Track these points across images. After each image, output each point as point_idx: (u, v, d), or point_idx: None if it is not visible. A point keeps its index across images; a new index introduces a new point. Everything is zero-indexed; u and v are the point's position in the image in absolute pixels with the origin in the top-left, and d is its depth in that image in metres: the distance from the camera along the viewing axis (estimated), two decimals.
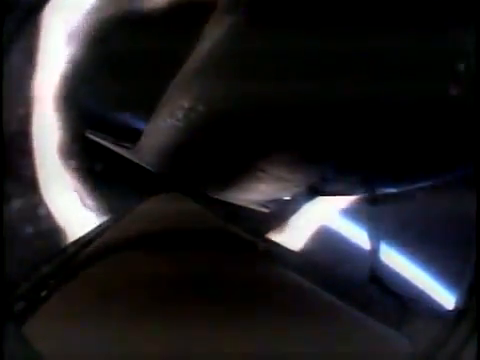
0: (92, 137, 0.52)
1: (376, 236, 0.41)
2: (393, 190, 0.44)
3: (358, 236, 0.51)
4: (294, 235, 0.53)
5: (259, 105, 0.39)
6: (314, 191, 0.45)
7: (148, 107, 0.46)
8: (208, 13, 0.40)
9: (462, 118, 0.36)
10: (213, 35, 0.39)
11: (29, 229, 0.49)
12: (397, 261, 0.49)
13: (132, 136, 0.50)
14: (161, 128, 0.46)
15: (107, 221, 0.51)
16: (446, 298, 0.46)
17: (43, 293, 0.38)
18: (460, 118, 0.36)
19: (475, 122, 0.34)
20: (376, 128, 0.38)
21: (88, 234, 0.47)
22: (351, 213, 0.52)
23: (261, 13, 0.37)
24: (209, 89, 0.41)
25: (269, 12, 0.36)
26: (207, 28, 0.40)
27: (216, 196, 0.50)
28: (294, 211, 0.53)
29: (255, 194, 0.50)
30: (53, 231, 0.50)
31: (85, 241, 0.45)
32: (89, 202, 0.53)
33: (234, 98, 0.40)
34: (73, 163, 0.53)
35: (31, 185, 0.51)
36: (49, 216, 0.51)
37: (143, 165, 0.51)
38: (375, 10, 0.34)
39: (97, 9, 0.51)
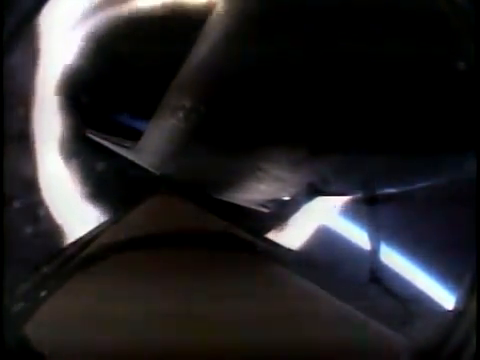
0: (93, 137, 0.52)
1: (376, 236, 0.41)
2: (393, 190, 0.44)
3: (358, 236, 0.51)
4: (294, 235, 0.53)
5: (259, 105, 0.39)
6: (314, 191, 0.45)
7: (149, 107, 0.46)
8: (208, 13, 0.40)
9: (461, 118, 0.36)
10: (213, 35, 0.39)
11: (29, 229, 0.49)
12: (397, 261, 0.49)
13: (133, 136, 0.50)
14: (162, 128, 0.46)
15: (107, 221, 0.51)
16: (446, 298, 0.46)
17: (43, 293, 0.38)
18: (459, 118, 0.36)
19: (475, 122, 0.34)
20: (376, 128, 0.38)
21: (88, 234, 0.47)
22: (351, 213, 0.52)
23: (260, 13, 0.37)
24: (210, 89, 0.41)
25: (268, 12, 0.36)
26: (207, 28, 0.40)
27: (216, 196, 0.50)
28: (294, 211, 0.53)
29: (255, 194, 0.50)
30: (53, 231, 0.50)
31: (85, 241, 0.45)
32: (89, 202, 0.53)
33: (235, 98, 0.40)
34: (73, 163, 0.53)
35: (31, 185, 0.51)
36: (49, 216, 0.51)
37: (144, 165, 0.51)
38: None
39: (97, 9, 0.51)
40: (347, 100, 0.36)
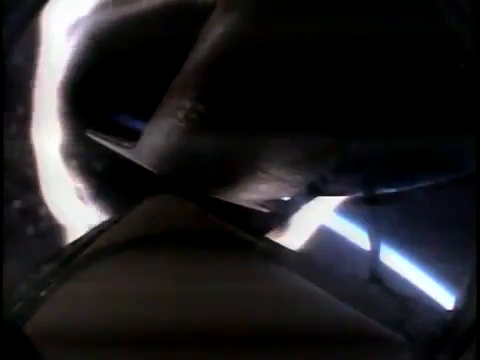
0: (92, 137, 0.52)
1: (376, 236, 0.41)
2: (393, 190, 0.44)
3: (358, 236, 0.51)
4: (294, 235, 0.53)
5: (260, 105, 0.39)
6: (314, 191, 0.45)
7: (148, 107, 0.46)
8: (208, 12, 0.40)
9: (461, 118, 0.36)
10: (213, 34, 0.39)
11: (29, 229, 0.49)
12: (397, 261, 0.49)
13: (132, 136, 0.50)
14: (162, 128, 0.46)
15: (107, 221, 0.51)
16: (446, 298, 0.46)
17: (43, 293, 0.38)
18: (459, 118, 0.36)
19: (475, 122, 0.34)
20: (376, 128, 0.38)
21: (88, 234, 0.47)
22: (351, 213, 0.52)
23: (260, 12, 0.37)
24: (210, 89, 0.41)
25: (268, 11, 0.36)
26: (207, 27, 0.40)
27: (216, 196, 0.50)
28: (294, 211, 0.53)
29: (255, 194, 0.50)
30: (53, 231, 0.50)
31: (85, 241, 0.45)
32: (89, 202, 0.53)
33: (235, 98, 0.40)
34: (73, 163, 0.53)
35: (31, 185, 0.51)
36: (49, 216, 0.51)
37: (143, 165, 0.51)
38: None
39: (97, 9, 0.51)
40: (347, 99, 0.36)
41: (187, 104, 0.42)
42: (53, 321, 0.34)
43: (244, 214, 0.52)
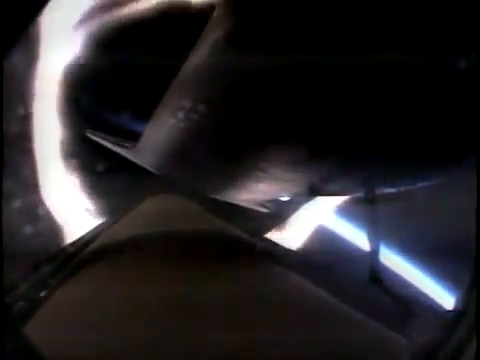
0: (92, 137, 0.52)
1: (375, 236, 0.41)
2: (393, 190, 0.44)
3: (357, 236, 0.51)
4: (293, 235, 0.53)
5: (259, 105, 0.39)
6: (314, 191, 0.45)
7: (148, 107, 0.46)
8: (208, 14, 0.40)
9: (461, 118, 0.36)
10: (213, 35, 0.39)
11: (29, 229, 0.49)
12: (397, 261, 0.49)
13: (132, 136, 0.50)
14: (161, 128, 0.46)
15: (107, 221, 0.51)
16: (446, 298, 0.46)
17: (43, 293, 0.38)
18: (460, 118, 0.36)
19: (475, 122, 0.34)
20: (376, 128, 0.38)
21: (88, 234, 0.47)
22: (350, 213, 0.52)
23: (261, 14, 0.37)
24: (210, 89, 0.41)
25: (267, 14, 0.36)
26: (208, 28, 0.40)
27: (216, 196, 0.50)
28: (293, 211, 0.53)
29: (255, 194, 0.50)
30: (53, 231, 0.50)
31: (85, 241, 0.45)
32: (89, 202, 0.53)
33: (235, 98, 0.40)
34: (73, 163, 0.53)
35: (31, 185, 0.51)
36: (49, 216, 0.51)
37: (143, 165, 0.51)
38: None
39: (97, 10, 0.51)
40: (347, 100, 0.36)
41: (187, 104, 0.42)
42: (53, 321, 0.34)
43: (244, 214, 0.52)
